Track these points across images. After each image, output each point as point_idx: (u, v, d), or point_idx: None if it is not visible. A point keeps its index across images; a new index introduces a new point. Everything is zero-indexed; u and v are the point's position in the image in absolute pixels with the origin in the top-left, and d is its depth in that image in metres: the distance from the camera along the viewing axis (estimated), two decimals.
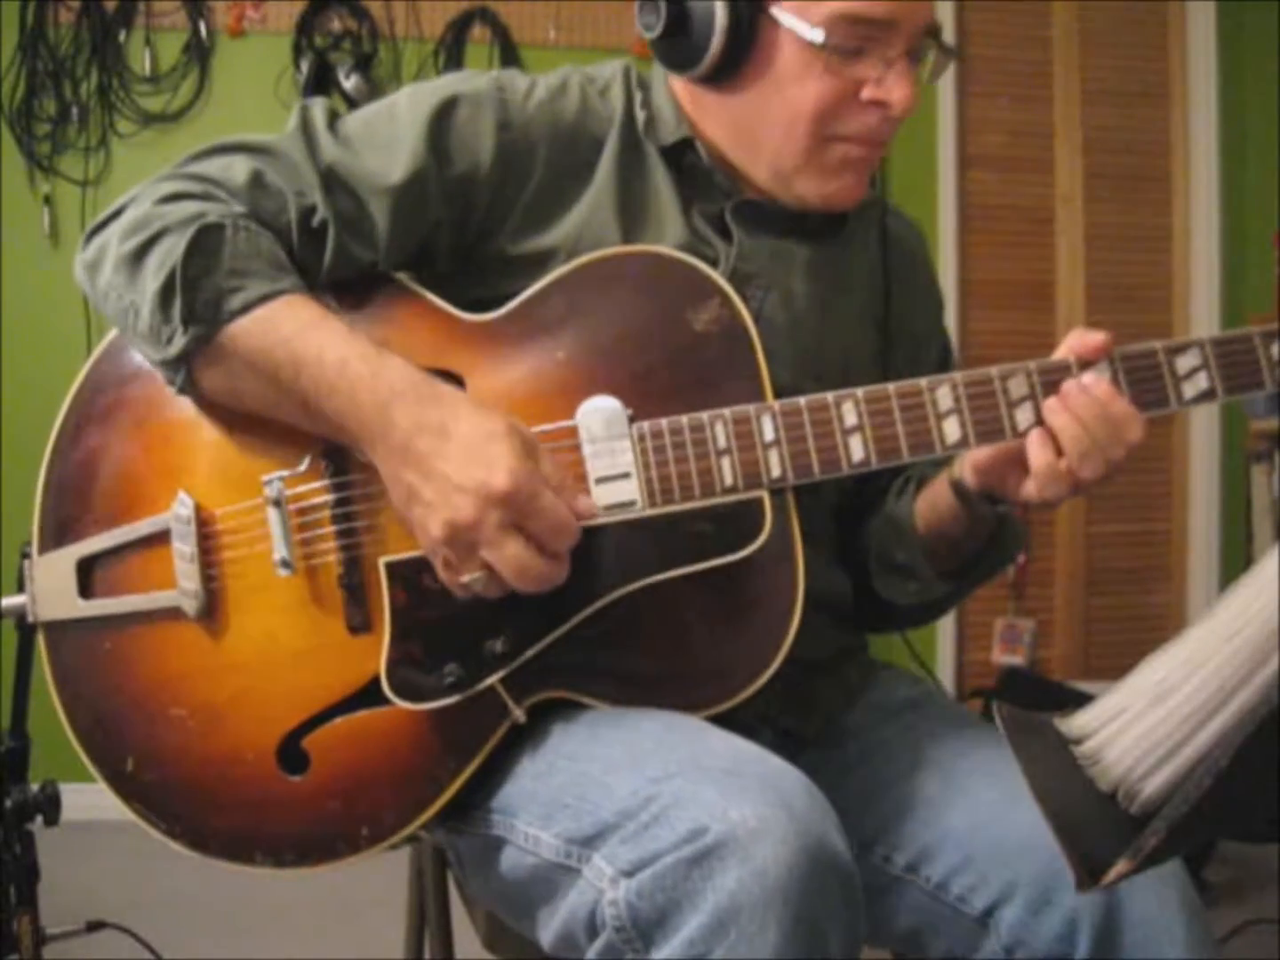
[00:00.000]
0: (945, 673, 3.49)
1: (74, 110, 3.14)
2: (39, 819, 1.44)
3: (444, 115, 1.09)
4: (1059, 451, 1.01)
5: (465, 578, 0.96)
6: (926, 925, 1.03)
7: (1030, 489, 1.03)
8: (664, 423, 1.02)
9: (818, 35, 1.06)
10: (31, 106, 3.12)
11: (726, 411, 1.02)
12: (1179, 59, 3.60)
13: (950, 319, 3.47)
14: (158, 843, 1.06)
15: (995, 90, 3.55)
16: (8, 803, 1.41)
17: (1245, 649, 0.72)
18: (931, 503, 1.14)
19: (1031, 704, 0.86)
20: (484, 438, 0.95)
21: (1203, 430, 3.58)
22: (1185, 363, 1.02)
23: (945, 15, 3.45)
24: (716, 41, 1.08)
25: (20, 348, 3.12)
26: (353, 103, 3.17)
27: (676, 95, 1.18)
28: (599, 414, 1.03)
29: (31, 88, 3.11)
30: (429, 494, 0.95)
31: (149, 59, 3.18)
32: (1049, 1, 3.56)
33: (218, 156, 1.08)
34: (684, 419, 1.02)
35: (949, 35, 3.47)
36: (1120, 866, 0.72)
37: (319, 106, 1.11)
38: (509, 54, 3.30)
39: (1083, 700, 0.82)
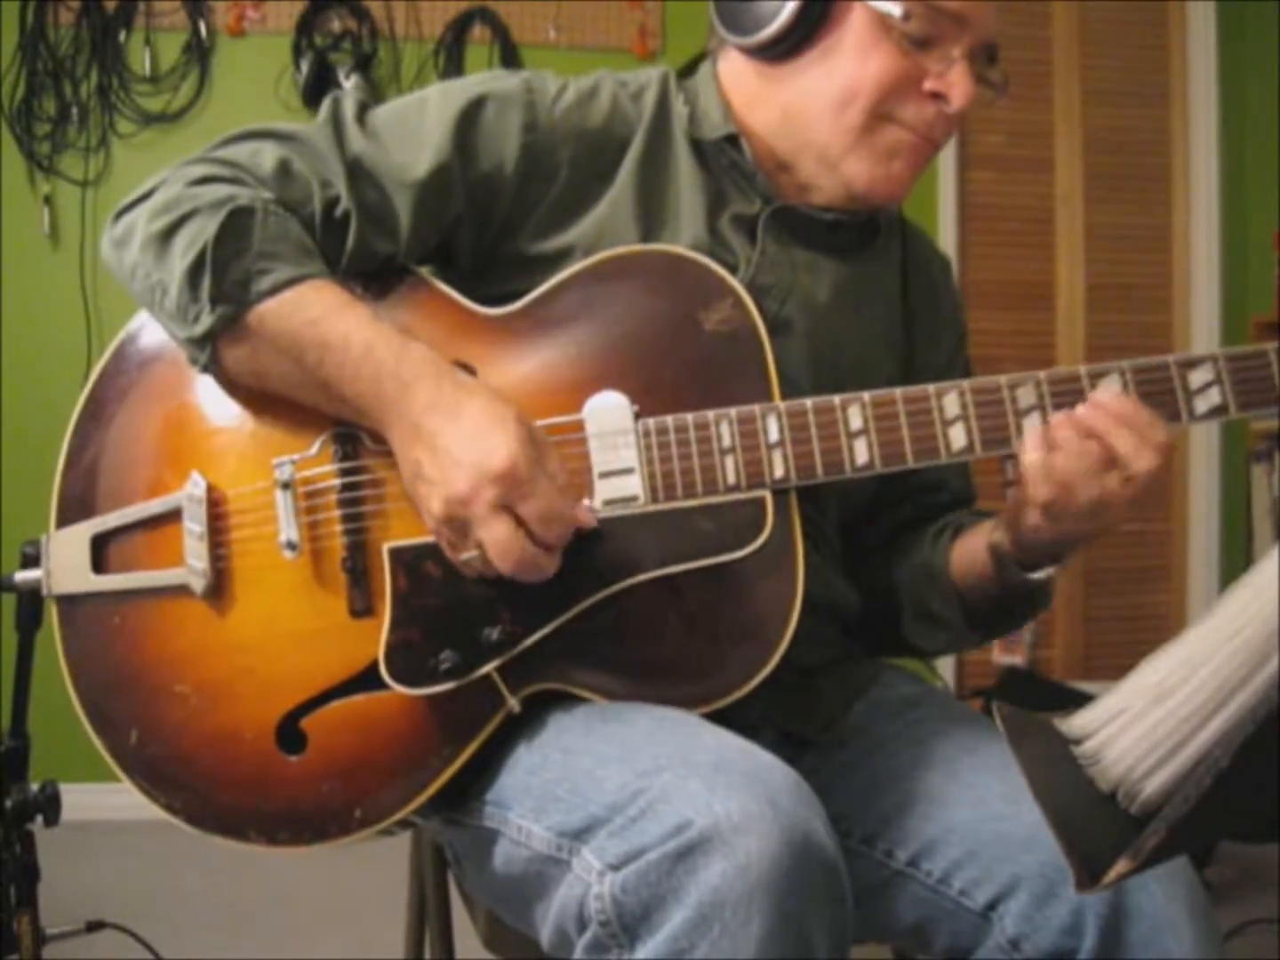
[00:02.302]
0: (945, 673, 3.49)
1: (74, 110, 3.14)
2: (39, 819, 1.44)
3: (472, 113, 1.11)
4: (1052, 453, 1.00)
5: (463, 555, 0.97)
6: (929, 920, 1.03)
7: (1030, 507, 1.02)
8: (669, 420, 1.03)
9: (896, 9, 1.08)
10: (31, 106, 3.12)
11: (732, 411, 1.03)
12: (1179, 59, 3.61)
13: None
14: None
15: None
16: (8, 803, 1.41)
17: (1245, 649, 0.72)
18: (967, 558, 1.15)
19: (1031, 704, 0.86)
20: (492, 421, 0.96)
21: (1203, 430, 3.58)
22: (1198, 377, 1.02)
23: None
24: (789, 8, 1.10)
25: (20, 348, 3.12)
26: None
27: (725, 91, 1.19)
28: (605, 409, 1.04)
29: (31, 88, 3.12)
30: (431, 470, 0.97)
31: (149, 59, 3.18)
32: (1049, 1, 3.56)
33: (247, 142, 1.10)
34: (689, 417, 1.03)
35: None
36: (1120, 866, 0.72)
37: (350, 99, 1.13)
38: (509, 54, 3.30)
39: (1083, 700, 0.82)
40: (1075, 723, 0.82)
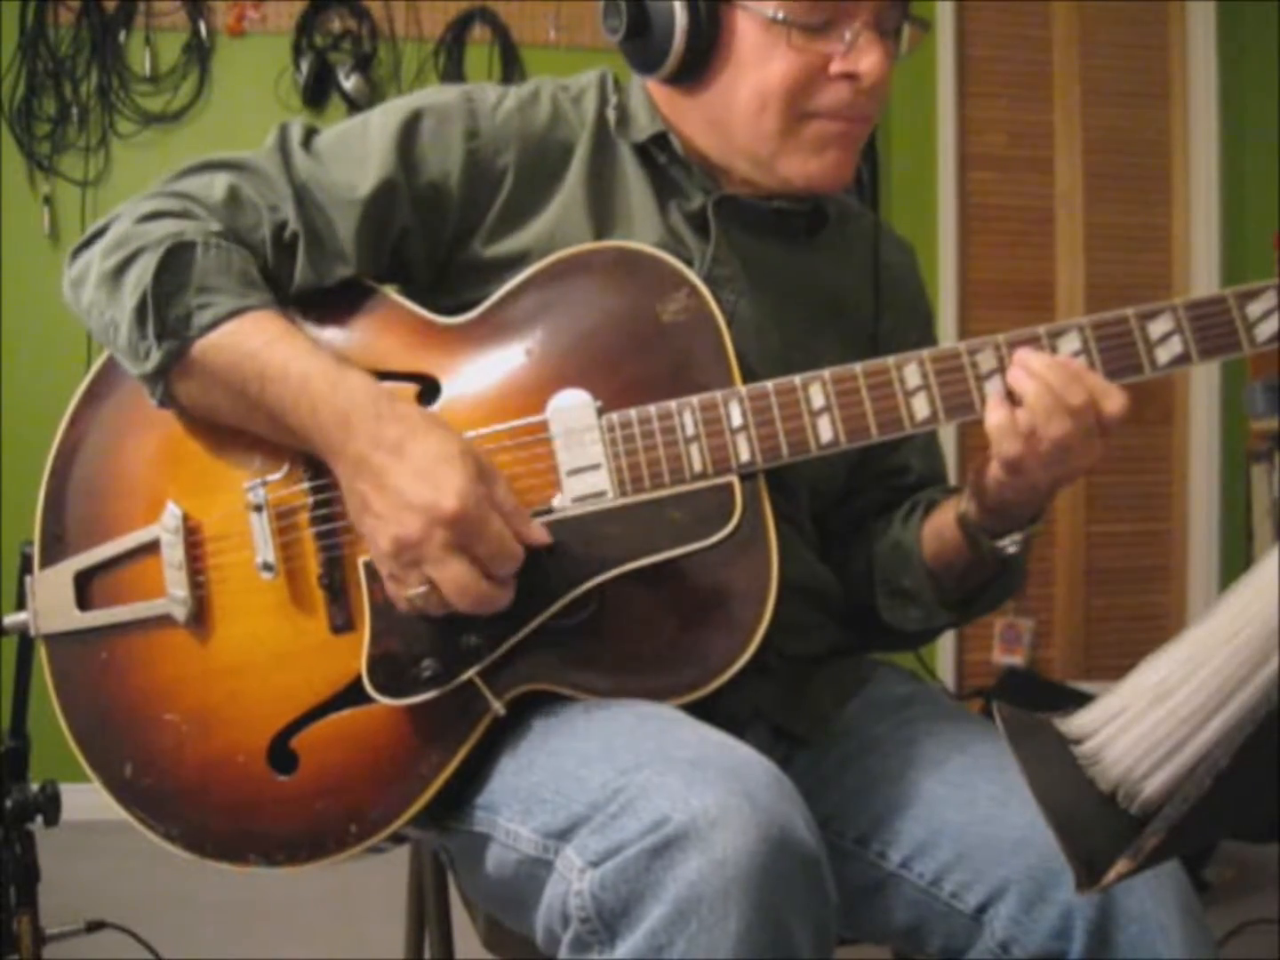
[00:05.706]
0: (945, 673, 3.49)
1: (74, 110, 3.14)
2: (39, 819, 1.44)
3: (413, 126, 1.12)
4: (1019, 409, 1.00)
5: (408, 592, 0.97)
6: (923, 921, 1.03)
7: (994, 463, 1.02)
8: (632, 413, 1.03)
9: (777, 12, 1.07)
10: (31, 106, 3.13)
11: (694, 399, 1.03)
12: (1179, 59, 3.61)
13: (950, 319, 3.48)
14: (157, 843, 1.07)
15: (995, 90, 3.56)
16: (8, 803, 1.41)
17: (1245, 649, 0.72)
18: (938, 532, 1.14)
19: (1031, 704, 0.86)
20: (437, 459, 0.96)
21: (1203, 430, 3.59)
22: (1158, 328, 1.01)
23: (945, 15, 3.45)
24: (679, 38, 1.10)
25: (20, 348, 3.12)
26: (353, 103, 3.17)
27: (652, 93, 1.19)
28: (568, 408, 1.04)
29: (31, 88, 3.12)
30: (380, 507, 0.97)
31: (149, 59, 3.19)
32: (1049, 1, 3.56)
33: (198, 175, 1.11)
34: (652, 408, 1.03)
35: (949, 36, 3.47)
36: (1120, 866, 0.72)
37: (296, 125, 1.14)
38: (509, 54, 3.30)
39: (1083, 700, 0.82)
40: (1075, 723, 0.82)
